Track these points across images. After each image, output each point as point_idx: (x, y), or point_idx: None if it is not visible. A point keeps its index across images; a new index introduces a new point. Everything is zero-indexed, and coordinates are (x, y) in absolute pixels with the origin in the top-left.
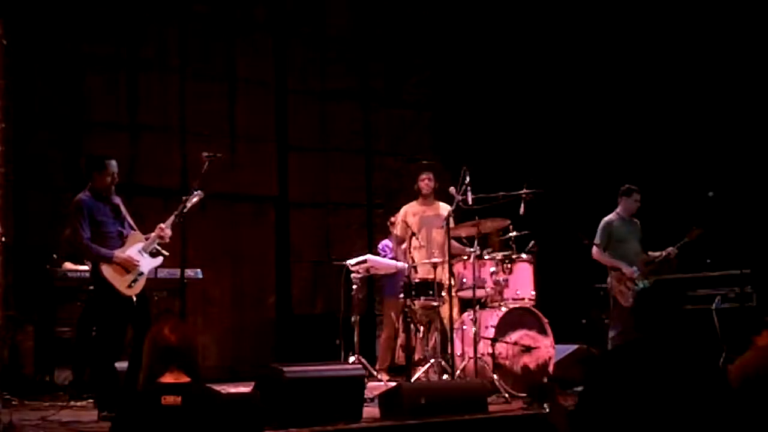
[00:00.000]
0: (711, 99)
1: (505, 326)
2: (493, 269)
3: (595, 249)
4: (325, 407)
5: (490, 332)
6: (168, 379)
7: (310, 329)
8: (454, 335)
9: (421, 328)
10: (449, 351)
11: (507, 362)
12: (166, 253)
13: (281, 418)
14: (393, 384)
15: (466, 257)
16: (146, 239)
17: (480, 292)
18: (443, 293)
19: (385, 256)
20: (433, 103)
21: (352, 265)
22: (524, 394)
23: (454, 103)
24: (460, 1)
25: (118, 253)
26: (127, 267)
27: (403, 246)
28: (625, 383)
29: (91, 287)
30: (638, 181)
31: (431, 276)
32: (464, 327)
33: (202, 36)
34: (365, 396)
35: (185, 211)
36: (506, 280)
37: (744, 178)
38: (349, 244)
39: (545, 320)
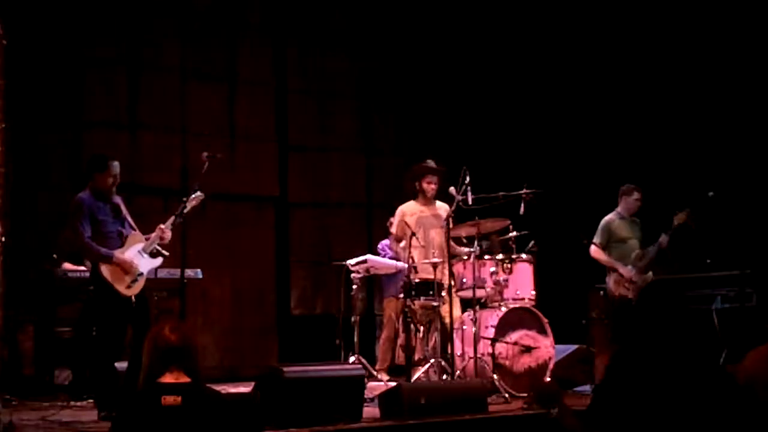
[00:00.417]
0: (710, 99)
1: (505, 326)
2: (493, 269)
3: (593, 247)
4: (325, 407)
5: (490, 332)
6: (168, 379)
7: (310, 329)
8: (454, 335)
9: (421, 328)
10: (449, 351)
11: (507, 362)
12: (166, 254)
13: (281, 418)
14: (393, 384)
15: (465, 257)
16: (146, 240)
17: (480, 292)
18: (443, 293)
19: (385, 256)
20: (433, 103)
21: (352, 265)
22: (524, 394)
23: (454, 103)
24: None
25: (118, 254)
26: (126, 269)
27: (402, 244)
28: (639, 381)
29: (91, 287)
30: (638, 181)
31: (431, 276)
32: (464, 327)
33: (202, 36)
34: (365, 396)
35: (185, 212)
36: (506, 280)
37: (744, 178)
38: (349, 244)
39: (545, 320)
